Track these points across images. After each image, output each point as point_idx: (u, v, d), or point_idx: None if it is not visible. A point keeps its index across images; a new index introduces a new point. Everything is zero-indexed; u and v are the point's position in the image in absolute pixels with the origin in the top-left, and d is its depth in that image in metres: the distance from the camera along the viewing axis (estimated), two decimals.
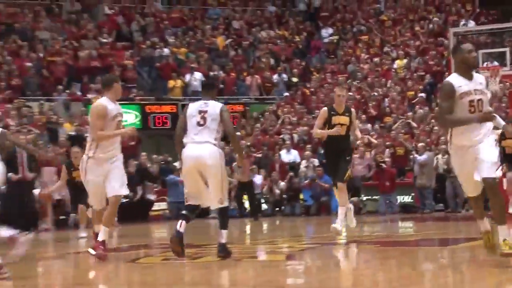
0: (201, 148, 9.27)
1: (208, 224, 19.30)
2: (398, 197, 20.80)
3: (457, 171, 8.01)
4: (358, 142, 12.56)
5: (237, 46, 30.55)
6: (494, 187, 7.61)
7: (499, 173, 7.92)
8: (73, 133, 21.14)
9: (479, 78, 7.82)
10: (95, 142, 9.62)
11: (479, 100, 7.64)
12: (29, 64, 26.10)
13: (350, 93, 25.89)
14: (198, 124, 9.33)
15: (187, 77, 27.74)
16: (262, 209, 21.56)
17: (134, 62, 27.99)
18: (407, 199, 20.95)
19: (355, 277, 8.14)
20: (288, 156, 22.55)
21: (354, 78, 27.47)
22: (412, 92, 25.43)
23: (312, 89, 27.86)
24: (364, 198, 21.07)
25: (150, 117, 25.89)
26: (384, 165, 20.47)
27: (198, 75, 27.64)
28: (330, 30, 31.95)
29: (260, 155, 22.73)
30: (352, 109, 12.32)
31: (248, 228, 18.03)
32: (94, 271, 9.37)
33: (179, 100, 27.00)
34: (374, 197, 20.95)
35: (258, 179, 21.51)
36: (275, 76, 28.81)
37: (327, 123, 11.83)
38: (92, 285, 7.78)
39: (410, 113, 23.61)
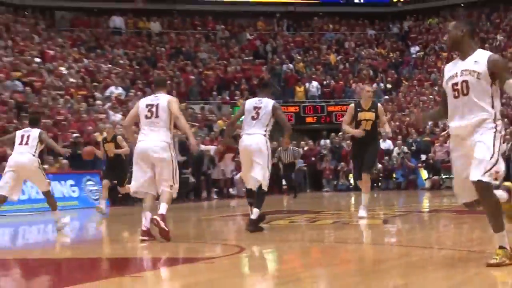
0: (251, 138, 8.37)
1: (322, 195, 19.24)
2: None
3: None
4: (388, 133, 10.00)
5: (345, 61, 30.30)
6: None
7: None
8: (224, 127, 21.45)
9: (475, 56, 5.14)
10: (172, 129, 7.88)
11: (463, 81, 5.09)
12: (192, 77, 26.65)
13: (432, 96, 25.40)
14: (252, 118, 8.43)
15: (307, 85, 27.79)
16: None
17: (268, 74, 28.16)
18: None
19: (436, 237, 7.93)
20: (384, 144, 22.17)
21: (436, 84, 26.81)
22: None
23: (403, 94, 27.37)
24: (443, 177, 20.58)
25: None
26: None
27: (315, 84, 27.70)
28: (417, 48, 31.28)
29: None
30: (379, 105, 10.22)
31: (352, 199, 17.84)
32: (237, 230, 9.43)
33: (301, 102, 27.06)
34: (451, 176, 20.38)
35: None
36: (374, 85, 28.38)
37: (354, 119, 9.87)
38: (235, 240, 7.84)
39: None
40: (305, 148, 23.09)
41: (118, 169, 12.87)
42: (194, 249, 7.42)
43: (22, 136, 9.45)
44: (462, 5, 32.17)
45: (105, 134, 13.64)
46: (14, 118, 17.31)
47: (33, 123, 9.72)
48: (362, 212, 9.81)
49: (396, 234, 8.55)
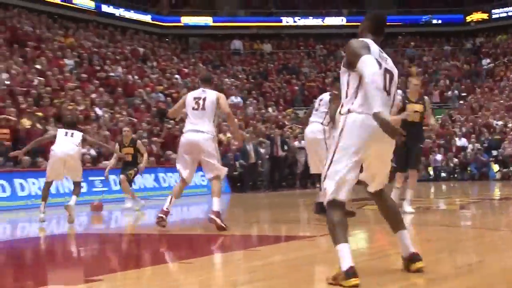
0: (309, 127, 7.75)
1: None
2: None
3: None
4: (435, 128, 8.75)
5: (425, 73, 29.32)
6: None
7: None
8: None
9: None
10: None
11: None
12: (296, 87, 26.66)
13: (502, 101, 24.09)
14: (315, 110, 7.80)
15: None
16: (442, 175, 20.51)
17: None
18: None
19: (506, 221, 7.51)
20: (460, 141, 21.36)
21: (504, 90, 25.46)
22: None
23: (475, 99, 26.12)
24: None
25: None
26: None
27: (399, 91, 26.78)
28: (488, 60, 29.80)
29: (441, 141, 21.56)
30: (425, 97, 8.62)
31: (432, 189, 17.22)
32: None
33: None
34: None
35: (438, 156, 20.51)
36: (449, 92, 27.32)
37: (402, 111, 8.26)
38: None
39: None
40: None
41: (132, 166, 11.03)
42: (299, 229, 7.41)
43: (67, 133, 8.69)
44: None
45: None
46: (158, 122, 17.95)
47: (71, 126, 8.99)
48: (409, 208, 8.11)
49: (471, 218, 8.17)
